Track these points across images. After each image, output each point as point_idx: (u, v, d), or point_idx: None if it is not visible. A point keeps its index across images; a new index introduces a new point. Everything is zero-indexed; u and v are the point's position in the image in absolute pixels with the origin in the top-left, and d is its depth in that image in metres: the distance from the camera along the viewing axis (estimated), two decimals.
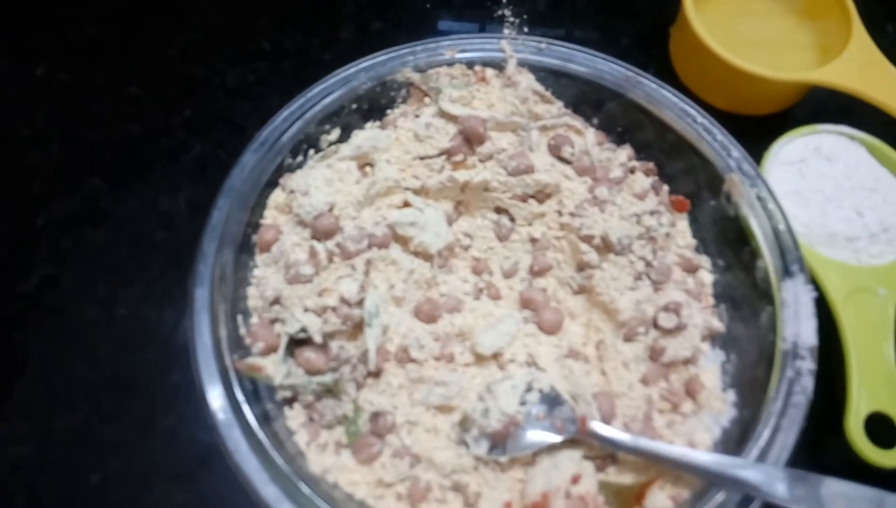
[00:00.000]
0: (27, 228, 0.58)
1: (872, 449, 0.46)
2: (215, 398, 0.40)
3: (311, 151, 0.51)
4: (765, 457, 0.39)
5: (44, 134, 0.63)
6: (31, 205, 0.59)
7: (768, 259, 0.46)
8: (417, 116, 0.52)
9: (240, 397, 0.40)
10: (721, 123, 0.50)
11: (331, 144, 0.52)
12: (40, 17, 0.70)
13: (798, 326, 0.43)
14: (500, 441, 0.42)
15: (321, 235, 0.46)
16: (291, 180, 0.48)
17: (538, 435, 0.42)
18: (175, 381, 0.51)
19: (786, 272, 0.45)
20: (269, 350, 0.43)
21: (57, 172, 0.61)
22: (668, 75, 0.65)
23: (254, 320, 0.45)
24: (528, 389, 0.43)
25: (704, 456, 0.40)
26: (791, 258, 0.45)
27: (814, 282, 0.45)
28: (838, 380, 0.49)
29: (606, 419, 0.43)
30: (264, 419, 0.40)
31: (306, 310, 0.43)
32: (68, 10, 0.70)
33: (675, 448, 0.41)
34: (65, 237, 0.57)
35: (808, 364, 0.42)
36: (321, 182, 0.47)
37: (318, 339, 0.43)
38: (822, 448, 0.47)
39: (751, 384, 0.44)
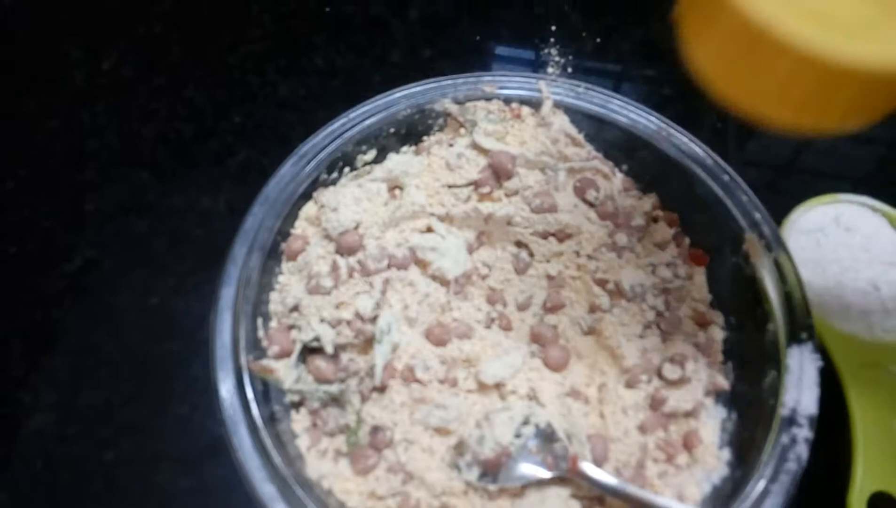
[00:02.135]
0: (77, 211, 0.62)
1: None
2: (227, 393, 0.42)
3: (347, 169, 0.54)
4: None
5: (103, 124, 0.67)
6: (83, 190, 0.63)
7: (779, 323, 0.46)
8: (451, 146, 0.54)
9: (250, 395, 0.42)
10: (750, 184, 0.51)
11: (366, 163, 0.54)
12: (112, 12, 0.74)
13: (800, 393, 0.43)
14: (491, 470, 0.43)
15: (344, 250, 0.48)
16: (323, 195, 0.51)
17: (529, 469, 0.43)
18: (194, 373, 0.54)
19: (794, 338, 0.45)
20: (283, 355, 0.45)
21: (110, 162, 0.64)
22: (707, 129, 0.66)
23: (273, 324, 0.48)
24: (525, 422, 0.44)
25: None
26: (801, 325, 0.45)
27: (824, 353, 0.45)
28: (844, 455, 0.49)
29: (598, 462, 0.44)
30: (270, 420, 0.42)
31: (322, 321, 0.45)
32: (140, 7, 0.74)
33: (662, 499, 0.41)
34: (110, 224, 0.61)
35: (804, 433, 0.42)
36: (350, 200, 0.50)
37: (329, 349, 0.45)
38: None
39: (747, 445, 0.44)
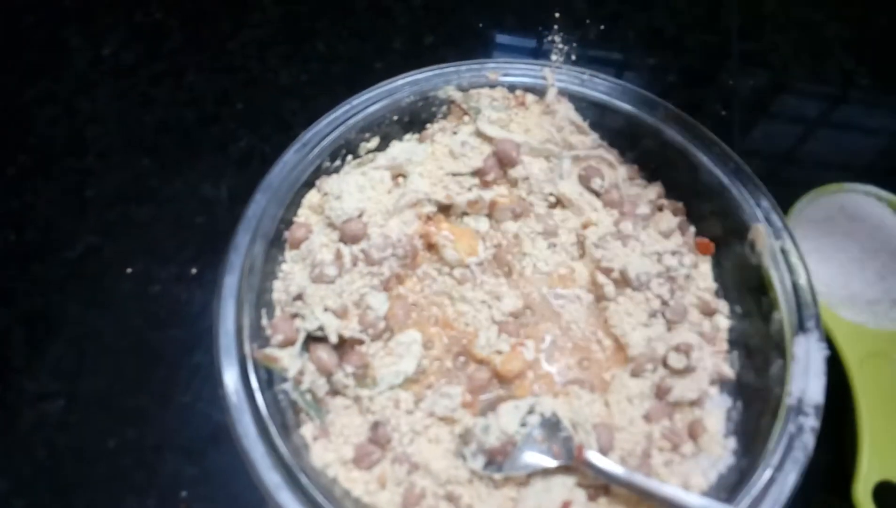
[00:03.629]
0: (78, 198, 0.61)
1: None
2: (231, 381, 0.42)
3: (349, 157, 0.53)
4: None
5: (103, 110, 0.66)
6: (84, 176, 0.62)
7: (784, 312, 0.46)
8: (455, 134, 0.54)
9: (254, 384, 0.42)
10: (755, 173, 0.51)
11: (369, 151, 0.54)
12: None
13: (806, 382, 0.43)
14: (496, 459, 0.43)
15: (348, 239, 0.48)
16: (326, 183, 0.50)
17: (534, 458, 0.43)
18: (196, 360, 0.53)
19: (801, 327, 0.45)
20: (287, 343, 0.45)
21: (111, 148, 0.64)
22: (711, 117, 0.65)
23: (276, 312, 0.47)
24: (531, 411, 0.44)
25: (696, 500, 0.40)
26: (807, 314, 0.45)
27: (829, 342, 0.45)
28: (850, 444, 0.49)
29: (604, 451, 0.44)
30: (275, 408, 0.42)
31: (326, 310, 0.45)
32: None
33: (668, 488, 0.41)
34: (111, 211, 0.60)
35: (811, 422, 0.42)
36: (354, 188, 0.49)
37: (333, 339, 0.44)
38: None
39: (753, 434, 0.44)
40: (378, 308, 0.46)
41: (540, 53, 0.70)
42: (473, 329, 0.49)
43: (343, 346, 0.46)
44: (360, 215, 0.49)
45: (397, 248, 0.48)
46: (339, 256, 0.47)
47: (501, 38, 0.72)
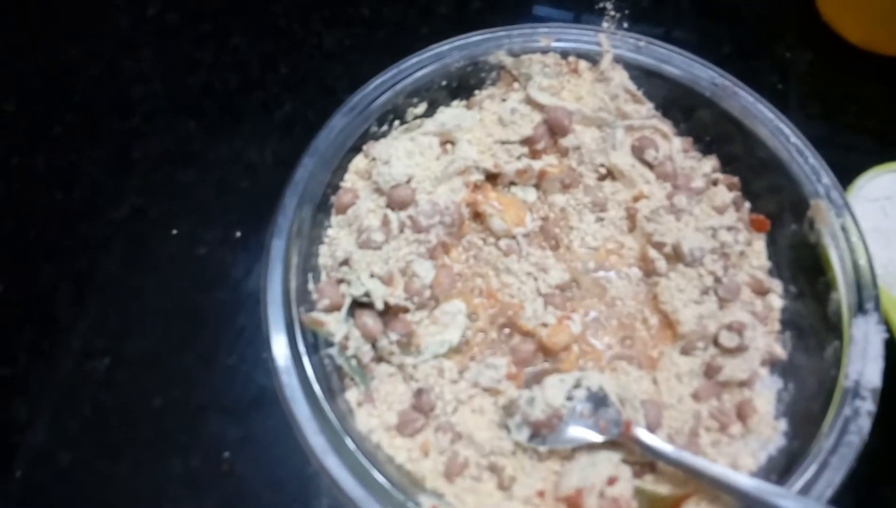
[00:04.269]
0: (123, 159, 0.61)
1: None
2: (278, 344, 0.42)
3: (397, 122, 0.52)
4: (808, 491, 0.39)
5: (148, 72, 0.66)
6: (129, 138, 0.63)
7: (843, 293, 0.44)
8: (504, 100, 0.53)
9: (301, 347, 0.42)
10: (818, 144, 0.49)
11: (416, 117, 0.53)
12: None
13: (864, 365, 0.42)
14: (541, 431, 0.42)
15: (396, 204, 0.47)
16: (374, 148, 0.50)
17: (580, 432, 0.42)
18: (240, 323, 0.54)
19: (859, 309, 0.43)
20: (333, 308, 0.45)
21: (156, 110, 0.64)
22: (768, 89, 0.63)
23: (322, 277, 0.47)
24: (577, 385, 0.44)
25: (746, 480, 0.39)
26: (867, 295, 0.44)
27: (886, 325, 0.44)
28: None
29: (651, 428, 0.43)
30: (321, 372, 0.42)
31: (372, 276, 0.45)
32: None
33: (717, 468, 0.40)
34: (157, 173, 0.60)
35: (868, 405, 0.41)
36: (402, 154, 0.48)
37: (379, 305, 0.44)
38: (875, 496, 0.45)
39: (805, 416, 0.43)
40: (424, 276, 0.46)
41: (590, 21, 0.68)
42: (519, 301, 0.48)
43: (388, 313, 0.45)
44: (408, 181, 0.48)
45: (445, 215, 0.47)
46: (385, 222, 0.47)
47: (550, 5, 0.70)
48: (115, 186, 0.60)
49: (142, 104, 0.64)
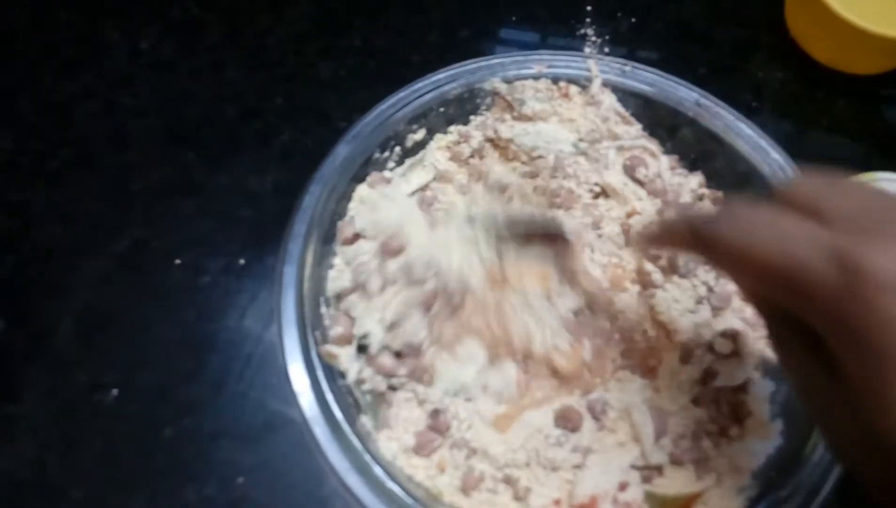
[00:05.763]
0: (122, 192, 0.62)
1: None
2: (296, 370, 0.43)
3: (397, 148, 0.54)
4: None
5: (145, 105, 0.67)
6: (127, 171, 0.63)
7: None
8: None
9: (319, 372, 0.43)
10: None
11: (415, 143, 0.55)
12: None
13: None
14: None
15: (389, 253, 0.47)
16: (377, 188, 0.51)
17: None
18: (248, 350, 0.54)
19: None
20: (344, 339, 0.46)
21: (154, 143, 0.65)
22: (743, 108, 0.66)
23: (332, 304, 0.48)
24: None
25: None
26: None
27: None
28: None
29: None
30: (339, 394, 0.43)
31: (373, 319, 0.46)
32: None
33: None
34: (157, 205, 0.61)
35: None
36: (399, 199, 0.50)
37: (373, 351, 0.45)
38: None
39: (799, 417, 0.46)
40: (414, 334, 0.46)
41: (572, 47, 0.71)
42: (530, 330, 0.49)
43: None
44: (401, 230, 0.48)
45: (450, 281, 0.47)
46: (381, 269, 0.47)
47: (535, 32, 0.73)
48: (115, 220, 0.60)
49: (139, 137, 0.65)
